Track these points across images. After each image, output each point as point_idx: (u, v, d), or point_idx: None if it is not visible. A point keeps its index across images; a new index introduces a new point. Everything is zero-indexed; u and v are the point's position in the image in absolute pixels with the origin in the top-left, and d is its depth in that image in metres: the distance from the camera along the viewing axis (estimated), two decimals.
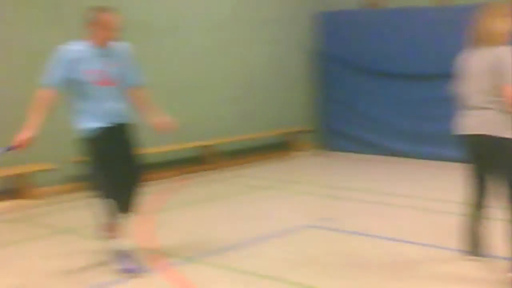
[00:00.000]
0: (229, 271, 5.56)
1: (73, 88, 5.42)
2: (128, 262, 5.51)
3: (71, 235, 6.83)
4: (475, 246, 5.50)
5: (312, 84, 12.49)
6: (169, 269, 5.58)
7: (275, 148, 11.92)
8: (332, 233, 6.73)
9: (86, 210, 6.59)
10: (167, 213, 7.71)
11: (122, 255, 5.54)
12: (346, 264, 5.74)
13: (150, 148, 9.41)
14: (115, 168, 5.44)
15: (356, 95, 11.80)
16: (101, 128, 5.41)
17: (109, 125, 5.45)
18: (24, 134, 5.22)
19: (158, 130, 5.76)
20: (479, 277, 5.20)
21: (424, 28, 10.94)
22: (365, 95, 11.67)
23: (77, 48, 5.39)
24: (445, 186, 8.63)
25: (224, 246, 6.24)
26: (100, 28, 5.33)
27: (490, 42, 5.16)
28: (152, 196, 8.54)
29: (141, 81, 5.78)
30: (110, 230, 5.56)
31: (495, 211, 5.34)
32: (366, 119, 11.67)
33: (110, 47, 5.46)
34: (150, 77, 9.46)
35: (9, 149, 5.28)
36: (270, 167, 10.88)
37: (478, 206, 5.45)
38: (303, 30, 12.30)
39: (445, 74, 11.17)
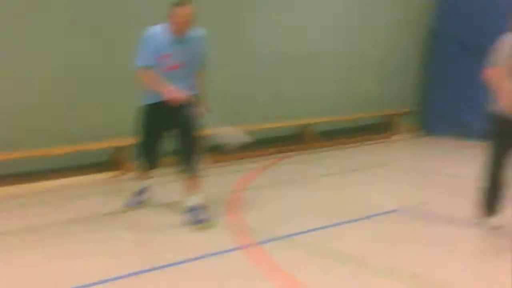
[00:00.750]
0: (313, 252, 5.49)
1: None
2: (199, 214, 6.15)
3: (162, 208, 6.91)
4: None
5: (419, 64, 12.15)
6: (253, 247, 5.57)
7: (375, 130, 11.69)
8: (422, 218, 6.53)
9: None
10: (256, 191, 7.71)
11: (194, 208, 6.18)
12: (434, 248, 5.56)
13: (246, 125, 9.55)
14: (156, 135, 6.37)
15: (465, 78, 11.33)
16: (155, 103, 6.11)
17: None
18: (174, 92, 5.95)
19: (199, 113, 6.31)
20: None
21: None
22: (474, 78, 11.19)
23: (157, 32, 6.00)
24: None
25: (310, 227, 6.16)
26: (174, 21, 5.90)
27: None
28: (245, 173, 8.59)
29: (204, 65, 6.33)
30: (141, 174, 6.64)
31: None
32: (471, 103, 11.21)
33: (186, 35, 6.00)
34: (264, 48, 9.70)
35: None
36: (366, 149, 10.68)
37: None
38: (414, 9, 11.96)
39: None
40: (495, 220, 6.07)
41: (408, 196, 7.50)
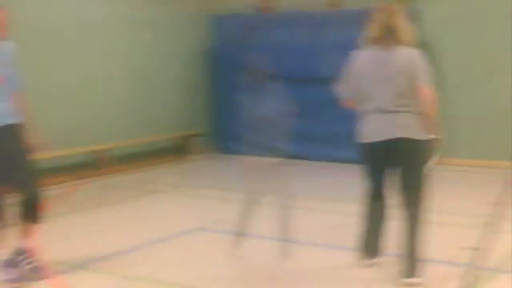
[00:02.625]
0: (118, 277, 5.49)
1: None
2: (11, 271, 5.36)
3: None
4: (371, 248, 5.52)
5: (204, 86, 12.52)
6: (55, 278, 5.43)
7: (170, 152, 11.83)
8: (224, 236, 6.73)
9: None
10: (56, 219, 7.50)
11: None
12: (238, 267, 5.76)
13: (41, 153, 9.27)
14: None
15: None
16: None
17: None
18: None
19: (32, 149, 5.50)
20: (377, 279, 5.34)
21: (313, 31, 11.19)
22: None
23: None
24: (339, 186, 8.90)
25: (114, 252, 6.14)
26: None
27: (397, 43, 5.15)
28: (42, 202, 8.31)
29: (22, 85, 5.51)
30: None
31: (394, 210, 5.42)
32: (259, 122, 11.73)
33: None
34: (35, 80, 9.42)
35: None
36: (163, 171, 10.78)
37: (376, 206, 5.44)
38: (193, 32, 12.31)
39: (335, 77, 11.40)
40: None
41: (209, 215, 7.68)
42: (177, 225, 7.17)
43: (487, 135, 10.44)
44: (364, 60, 5.29)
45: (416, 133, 5.13)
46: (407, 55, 5.14)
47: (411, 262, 5.13)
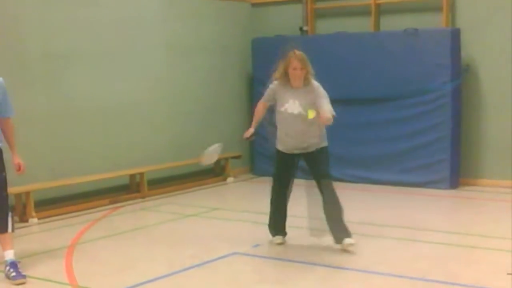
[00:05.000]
0: None
1: None
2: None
3: None
4: None
5: (244, 109, 12.49)
6: None
7: (208, 174, 11.81)
8: (260, 260, 6.69)
9: None
10: (90, 243, 7.54)
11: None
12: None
13: (78, 178, 9.38)
14: None
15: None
16: None
17: None
18: None
19: (16, 170, 6.38)
20: None
21: (352, 53, 11.12)
22: None
23: None
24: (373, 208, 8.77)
25: (149, 277, 6.13)
26: None
27: None
28: (79, 226, 8.37)
29: (8, 113, 6.27)
30: None
31: None
32: None
33: None
34: (84, 101, 9.53)
35: None
36: (199, 194, 10.74)
37: None
38: (236, 56, 12.34)
39: (375, 99, 11.25)
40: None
41: (245, 238, 7.62)
42: (210, 249, 7.13)
43: None
44: None
45: None
46: None
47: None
